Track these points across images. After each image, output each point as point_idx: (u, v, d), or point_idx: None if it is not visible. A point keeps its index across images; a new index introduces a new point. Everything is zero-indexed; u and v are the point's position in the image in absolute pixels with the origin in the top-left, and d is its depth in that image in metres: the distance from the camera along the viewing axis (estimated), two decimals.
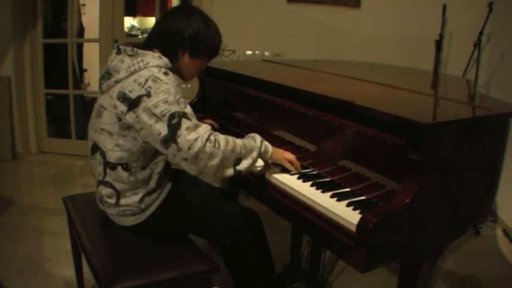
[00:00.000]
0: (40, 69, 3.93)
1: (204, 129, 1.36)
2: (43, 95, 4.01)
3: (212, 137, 1.36)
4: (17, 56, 3.75)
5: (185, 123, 1.33)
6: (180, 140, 1.32)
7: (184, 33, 1.52)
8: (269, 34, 3.54)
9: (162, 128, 1.34)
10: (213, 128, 1.95)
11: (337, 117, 1.44)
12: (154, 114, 1.35)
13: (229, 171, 1.43)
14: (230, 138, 1.42)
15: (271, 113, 1.81)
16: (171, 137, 1.32)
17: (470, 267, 2.41)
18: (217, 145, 1.36)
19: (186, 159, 1.34)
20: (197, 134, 1.33)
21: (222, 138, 1.39)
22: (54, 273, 2.20)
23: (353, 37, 3.38)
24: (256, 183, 1.54)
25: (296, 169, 1.55)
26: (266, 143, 1.53)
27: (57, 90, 4.12)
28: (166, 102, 1.36)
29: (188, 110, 1.39)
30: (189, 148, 1.31)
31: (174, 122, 1.33)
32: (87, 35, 4.63)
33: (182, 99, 1.41)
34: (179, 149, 1.32)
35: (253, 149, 1.47)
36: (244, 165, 1.44)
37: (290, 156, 1.56)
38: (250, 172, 1.58)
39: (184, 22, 1.53)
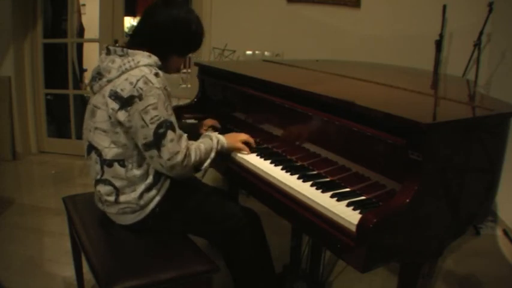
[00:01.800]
0: (40, 69, 3.93)
1: (184, 142, 1.50)
2: (43, 95, 4.01)
3: (188, 152, 1.50)
4: (17, 56, 3.75)
5: (170, 134, 1.44)
6: (163, 149, 1.44)
7: (174, 35, 1.55)
8: (269, 34, 3.54)
9: (148, 134, 1.43)
10: (215, 129, 1.95)
11: (337, 117, 1.44)
12: (143, 120, 1.42)
13: (190, 174, 1.59)
14: (197, 147, 1.55)
15: (271, 113, 1.81)
16: (155, 144, 1.43)
17: (470, 267, 2.41)
18: (189, 159, 1.50)
19: (162, 165, 1.47)
20: (179, 148, 1.47)
21: (193, 150, 1.52)
22: (54, 273, 2.20)
23: (353, 37, 3.39)
24: (255, 183, 1.54)
25: (250, 146, 1.69)
26: (220, 138, 1.65)
27: (57, 90, 4.12)
28: (156, 108, 1.42)
29: (173, 118, 1.48)
30: (169, 159, 1.45)
31: (160, 132, 1.43)
32: (87, 35, 4.63)
33: (169, 106, 1.48)
34: (159, 157, 1.45)
35: (211, 150, 1.60)
36: (204, 165, 1.59)
37: (243, 137, 1.70)
38: (250, 172, 1.59)
39: (172, 21, 1.53)
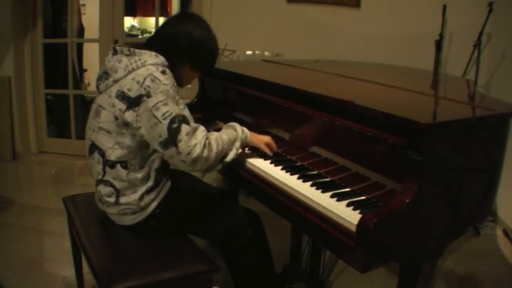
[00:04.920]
0: (40, 69, 3.93)
1: (201, 133, 1.44)
2: (43, 95, 4.00)
3: (207, 142, 1.44)
4: (17, 56, 3.75)
5: (185, 128, 1.40)
6: (180, 144, 1.39)
7: (190, 47, 1.55)
8: (269, 34, 3.54)
9: (162, 131, 1.39)
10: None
11: (337, 117, 1.44)
12: (155, 117, 1.39)
13: (218, 167, 1.53)
14: (218, 136, 1.50)
15: (271, 113, 1.81)
16: (172, 140, 1.39)
17: (470, 267, 2.41)
18: (210, 148, 1.44)
19: (183, 161, 1.41)
20: (196, 140, 1.41)
21: (213, 139, 1.47)
22: (54, 273, 2.20)
23: (353, 37, 3.38)
24: (255, 183, 1.54)
25: (271, 151, 1.65)
26: (245, 129, 1.61)
27: (57, 90, 4.12)
28: (166, 104, 1.39)
29: (186, 112, 1.44)
30: (189, 153, 1.39)
31: (174, 127, 1.38)
32: (87, 35, 4.63)
33: (181, 100, 1.45)
34: (178, 153, 1.39)
35: (236, 139, 1.55)
36: (230, 156, 1.54)
37: (266, 138, 1.66)
38: (250, 172, 1.59)
39: (190, 35, 1.54)
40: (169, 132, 1.38)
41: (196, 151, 1.39)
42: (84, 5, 4.97)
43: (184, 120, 1.40)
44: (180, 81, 1.59)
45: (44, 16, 3.92)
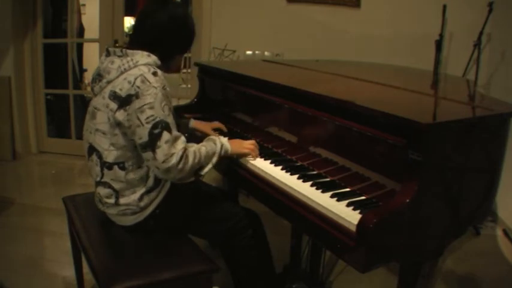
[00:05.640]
0: (40, 69, 3.93)
1: (180, 144, 1.44)
2: (43, 95, 4.00)
3: (184, 154, 1.44)
4: (17, 56, 3.75)
5: (165, 135, 1.40)
6: (158, 151, 1.40)
7: (176, 34, 1.55)
8: (269, 34, 3.54)
9: (143, 134, 1.40)
10: (221, 132, 1.94)
11: (337, 117, 1.44)
12: (139, 119, 1.40)
13: (191, 179, 1.53)
14: (197, 149, 1.50)
15: (271, 113, 1.81)
16: (150, 145, 1.40)
17: (470, 267, 2.41)
18: (186, 161, 1.44)
19: (157, 168, 1.42)
20: (174, 150, 1.42)
21: (191, 152, 1.47)
22: (54, 273, 2.20)
23: (353, 37, 3.39)
24: (255, 183, 1.54)
25: (256, 155, 1.64)
26: (225, 143, 1.59)
27: (57, 90, 4.12)
28: (152, 108, 1.40)
29: (170, 119, 1.44)
30: (164, 161, 1.40)
31: (155, 132, 1.39)
32: (87, 35, 4.63)
33: (167, 107, 1.44)
34: (154, 159, 1.41)
35: (214, 154, 1.55)
36: (205, 170, 1.53)
37: (249, 145, 1.65)
38: (250, 172, 1.59)
39: (171, 20, 1.53)
40: (150, 137, 1.39)
41: (172, 161, 1.40)
42: (84, 5, 4.98)
43: (166, 127, 1.41)
44: (170, 69, 1.62)
45: (44, 16, 3.92)
